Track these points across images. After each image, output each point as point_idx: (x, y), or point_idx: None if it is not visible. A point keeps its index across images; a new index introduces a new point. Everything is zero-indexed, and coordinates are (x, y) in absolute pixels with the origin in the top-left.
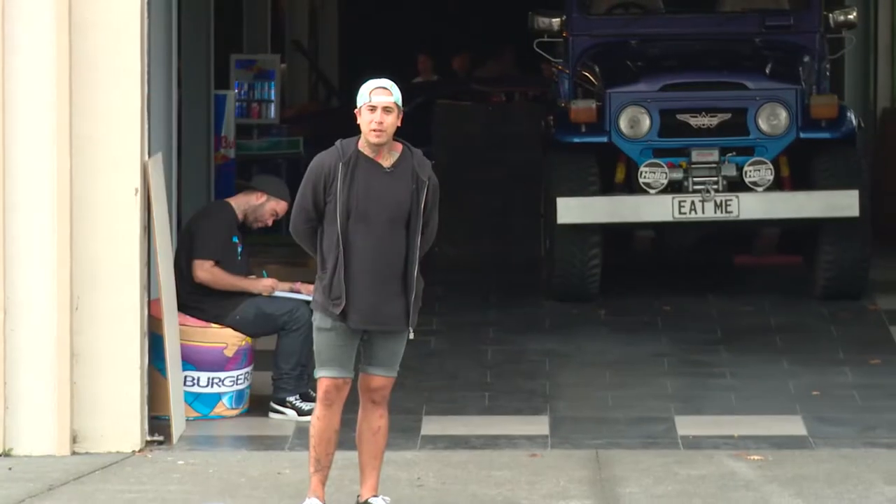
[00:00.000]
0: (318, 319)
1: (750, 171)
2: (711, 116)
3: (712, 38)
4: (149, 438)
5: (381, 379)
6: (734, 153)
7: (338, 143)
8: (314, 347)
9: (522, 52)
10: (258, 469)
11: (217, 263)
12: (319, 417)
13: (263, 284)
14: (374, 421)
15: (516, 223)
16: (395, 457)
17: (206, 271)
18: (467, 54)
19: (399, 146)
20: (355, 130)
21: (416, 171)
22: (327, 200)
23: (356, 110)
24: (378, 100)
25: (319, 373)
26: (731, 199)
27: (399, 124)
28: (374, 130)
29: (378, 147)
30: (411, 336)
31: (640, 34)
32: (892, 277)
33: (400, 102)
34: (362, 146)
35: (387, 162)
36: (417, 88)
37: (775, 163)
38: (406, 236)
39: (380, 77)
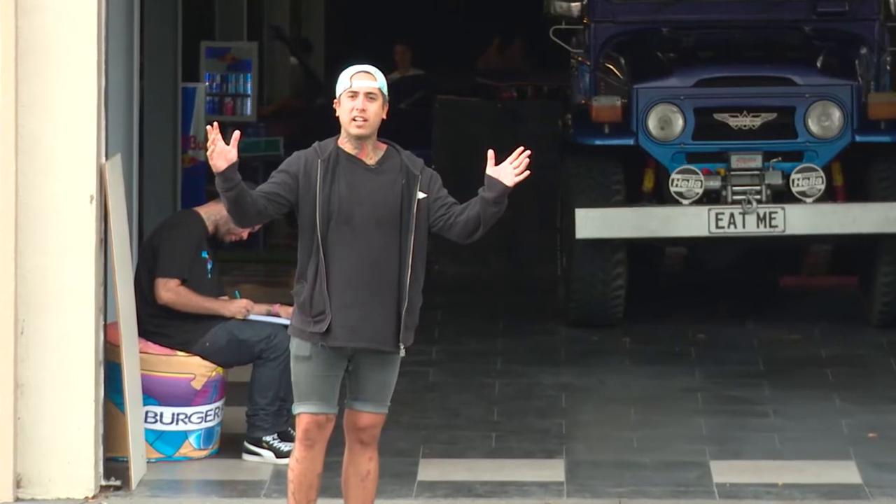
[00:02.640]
0: (295, 346)
1: (798, 179)
2: (754, 116)
3: (755, 27)
4: (104, 483)
5: (370, 416)
6: (780, 159)
7: (315, 143)
8: (292, 379)
9: (533, 42)
10: None
11: (183, 282)
12: (299, 460)
13: (237, 306)
14: (362, 464)
15: (528, 238)
16: None
17: (170, 291)
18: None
19: (384, 146)
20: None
21: (405, 165)
22: (300, 200)
23: (335, 100)
24: (360, 85)
25: (298, 408)
26: (775, 212)
27: (385, 117)
28: (356, 119)
29: (360, 141)
30: (402, 354)
31: (672, 21)
32: None
33: (385, 90)
34: (342, 142)
35: (371, 159)
36: (412, 82)
37: (827, 170)
38: (398, 240)
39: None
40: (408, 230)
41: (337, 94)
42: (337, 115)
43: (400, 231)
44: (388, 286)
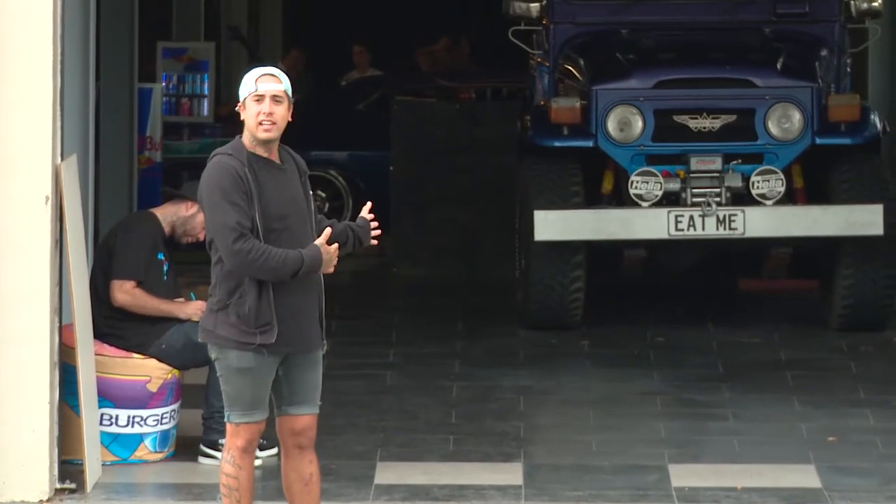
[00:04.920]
0: (236, 359)
1: (758, 181)
2: (714, 118)
3: (716, 28)
4: (59, 486)
5: (306, 418)
6: (739, 161)
7: (224, 154)
8: (231, 391)
9: (481, 42)
10: None
11: (139, 284)
12: (243, 467)
13: (192, 308)
14: (303, 469)
15: (487, 240)
16: None
17: (125, 293)
18: (446, 41)
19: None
20: (300, 128)
21: (297, 162)
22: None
23: (239, 104)
24: (266, 88)
25: (242, 419)
26: (735, 214)
27: (290, 118)
28: (263, 123)
29: (268, 143)
30: (325, 349)
31: (631, 22)
32: None
33: (290, 92)
34: (251, 147)
35: (278, 159)
36: (371, 83)
37: (787, 172)
38: (313, 237)
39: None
40: (313, 228)
41: (241, 98)
42: (242, 118)
43: (311, 228)
44: (313, 285)
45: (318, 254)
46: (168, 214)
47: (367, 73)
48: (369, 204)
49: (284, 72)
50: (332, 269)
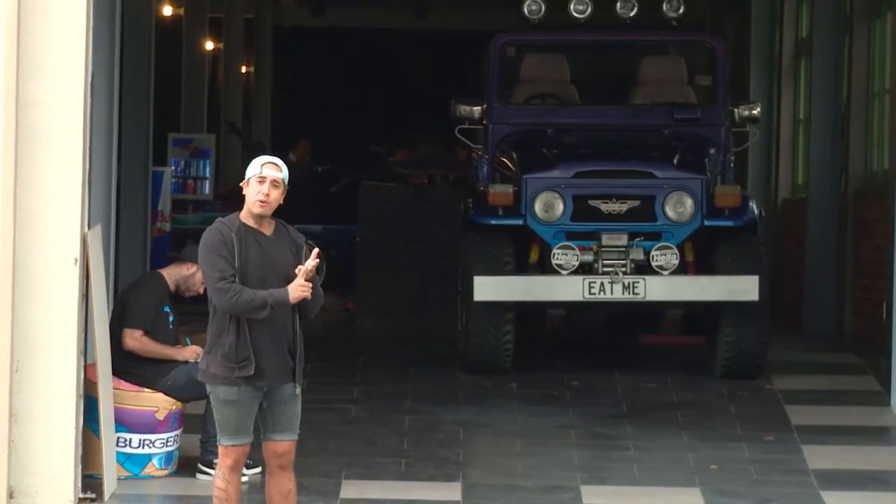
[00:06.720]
0: (222, 392)
1: (656, 255)
2: (621, 203)
3: (624, 129)
4: (82, 496)
5: (286, 443)
6: (642, 238)
7: (220, 221)
8: (221, 419)
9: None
10: None
11: (146, 333)
12: (231, 482)
13: (188, 352)
14: (284, 485)
15: (435, 299)
16: None
17: (134, 340)
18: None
19: (274, 221)
20: (288, 208)
21: (292, 237)
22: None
23: (244, 182)
24: (268, 172)
25: (230, 442)
26: (638, 282)
27: (282, 202)
28: (260, 201)
29: (260, 218)
30: (298, 392)
31: (555, 123)
32: (788, 358)
33: (287, 180)
34: (244, 218)
35: (268, 231)
36: (344, 170)
37: (681, 248)
38: None
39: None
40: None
41: (246, 177)
42: (244, 193)
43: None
44: (286, 335)
45: (284, 292)
46: (173, 274)
47: (303, 160)
48: (316, 250)
49: (294, 160)
50: (299, 294)
